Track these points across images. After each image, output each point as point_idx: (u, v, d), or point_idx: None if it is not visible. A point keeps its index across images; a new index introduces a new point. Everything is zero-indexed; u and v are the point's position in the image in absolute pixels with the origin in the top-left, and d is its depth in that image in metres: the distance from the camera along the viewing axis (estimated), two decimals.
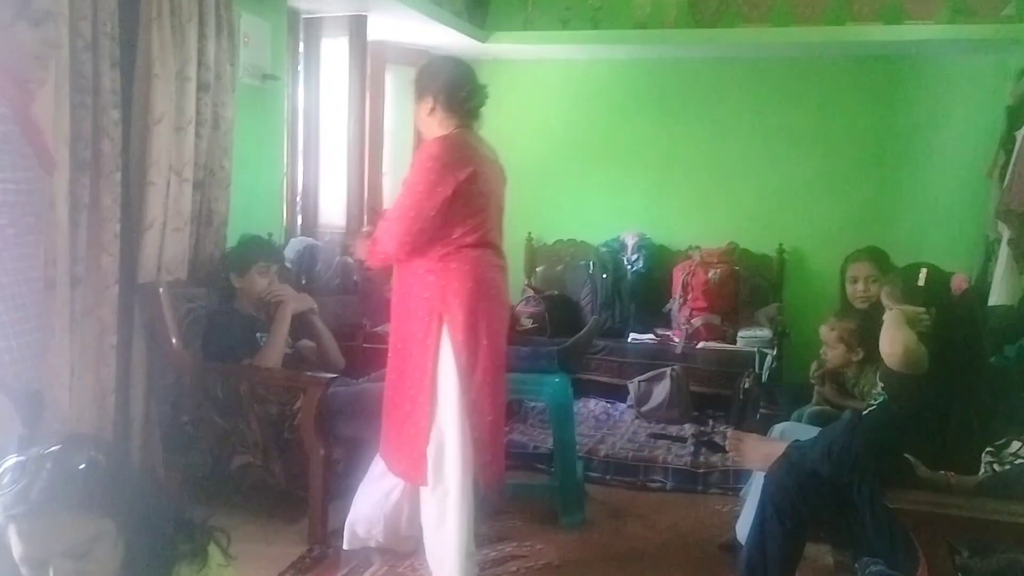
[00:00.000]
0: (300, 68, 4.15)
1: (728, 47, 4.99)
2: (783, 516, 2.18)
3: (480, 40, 4.83)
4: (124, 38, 2.69)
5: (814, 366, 3.26)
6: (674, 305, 4.96)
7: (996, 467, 2.34)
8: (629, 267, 5.11)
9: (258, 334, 3.08)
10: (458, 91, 2.59)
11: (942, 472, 2.24)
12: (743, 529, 2.51)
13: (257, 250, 3.18)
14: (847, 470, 2.04)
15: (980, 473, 2.36)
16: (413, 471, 2.56)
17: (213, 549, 1.41)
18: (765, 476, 2.32)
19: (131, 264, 2.82)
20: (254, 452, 2.93)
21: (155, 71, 2.76)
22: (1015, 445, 2.35)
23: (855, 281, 3.14)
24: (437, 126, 2.60)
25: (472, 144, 2.61)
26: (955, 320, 3.06)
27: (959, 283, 3.09)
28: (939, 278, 2.99)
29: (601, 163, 5.35)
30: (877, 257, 3.18)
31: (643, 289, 5.08)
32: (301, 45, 4.16)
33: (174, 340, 2.89)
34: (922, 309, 2.81)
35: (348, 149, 4.25)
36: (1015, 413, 2.69)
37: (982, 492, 2.14)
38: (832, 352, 3.10)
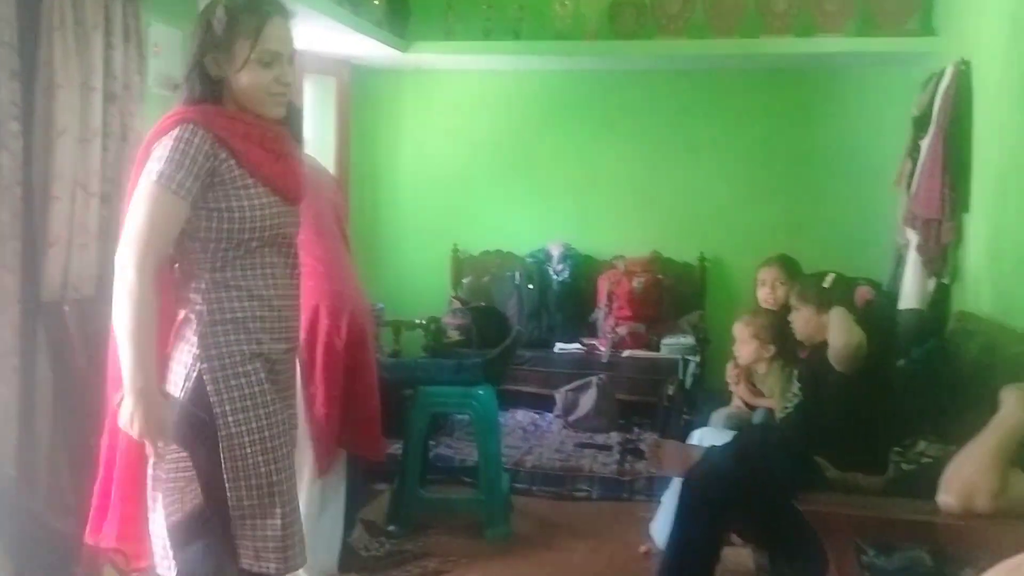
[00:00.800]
0: None
1: (647, 59, 5.07)
2: (700, 519, 2.22)
3: (401, 50, 4.81)
4: (24, 47, 2.59)
5: (730, 366, 3.37)
6: (599, 314, 5.01)
7: (904, 466, 2.42)
8: (555, 277, 5.15)
9: None
10: None
11: (851, 473, 2.30)
12: (657, 532, 2.53)
13: None
14: (760, 473, 2.07)
15: (888, 472, 2.44)
16: None
17: (110, 571, 1.37)
18: (682, 481, 2.35)
19: (34, 282, 2.71)
20: None
21: (58, 81, 2.66)
22: (921, 444, 2.44)
23: (763, 284, 3.27)
24: None
25: None
26: (864, 325, 3.17)
27: (862, 295, 3.20)
28: (844, 285, 3.10)
29: (526, 174, 5.37)
30: (785, 263, 3.31)
31: (569, 299, 5.12)
32: None
33: (80, 360, 2.78)
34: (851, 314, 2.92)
35: None
36: (922, 414, 2.78)
37: (889, 491, 2.21)
38: (744, 348, 3.20)
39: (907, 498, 2.06)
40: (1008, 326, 2.89)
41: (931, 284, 3.69)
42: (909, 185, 3.91)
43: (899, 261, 4.04)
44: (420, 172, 5.41)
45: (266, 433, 1.69)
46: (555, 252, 5.20)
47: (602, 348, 4.84)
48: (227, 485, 1.64)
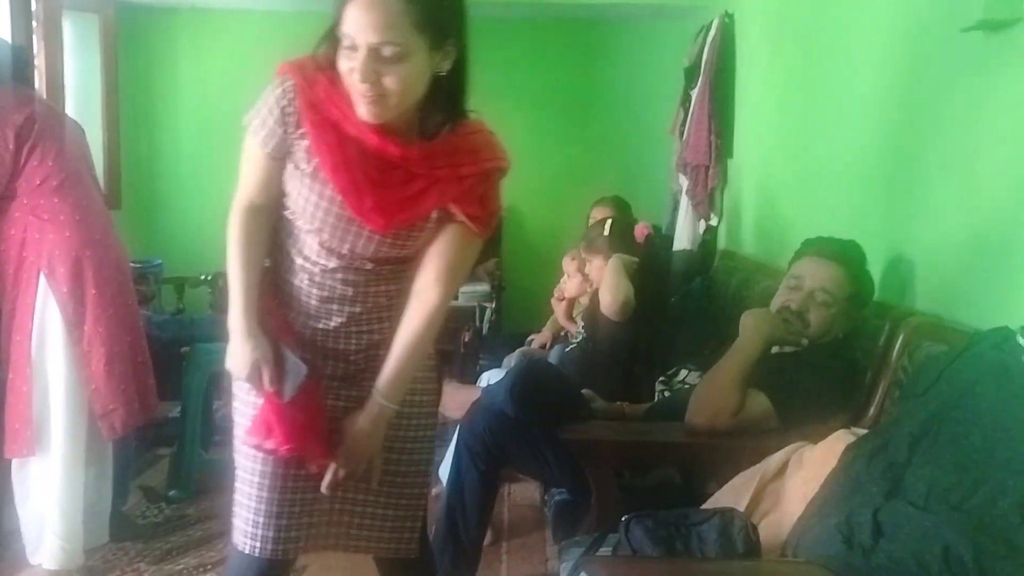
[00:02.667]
0: None
1: None
2: (476, 458, 2.27)
3: None
4: None
5: (555, 296, 3.60)
6: None
7: (667, 394, 2.58)
8: None
9: None
10: None
11: (617, 403, 2.44)
12: (442, 472, 2.58)
13: None
14: (528, 408, 2.15)
15: (654, 400, 2.60)
16: (15, 443, 2.41)
17: None
18: (460, 422, 2.39)
19: None
20: None
21: None
22: (683, 373, 2.60)
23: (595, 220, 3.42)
24: None
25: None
26: (643, 265, 3.36)
27: (641, 231, 3.38)
28: (623, 226, 3.26)
29: None
30: (618, 203, 3.57)
31: None
32: None
33: None
34: (634, 259, 3.08)
35: None
36: (686, 345, 2.98)
37: (650, 417, 2.35)
38: (571, 281, 3.33)
39: (664, 422, 2.21)
40: (764, 263, 3.14)
41: (701, 226, 3.95)
42: (682, 133, 4.14)
43: (675, 206, 4.28)
44: (203, 120, 5.10)
45: None
46: None
47: None
48: None
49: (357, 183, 1.45)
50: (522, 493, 3.08)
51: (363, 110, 1.39)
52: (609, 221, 3.14)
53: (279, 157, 1.50)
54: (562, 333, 3.64)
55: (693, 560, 1.40)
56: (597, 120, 5.22)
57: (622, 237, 3.14)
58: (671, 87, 4.50)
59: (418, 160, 1.47)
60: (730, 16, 3.82)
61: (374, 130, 1.42)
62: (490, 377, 3.05)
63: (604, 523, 1.76)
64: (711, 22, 3.93)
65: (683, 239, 4.01)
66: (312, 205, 1.49)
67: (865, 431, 1.76)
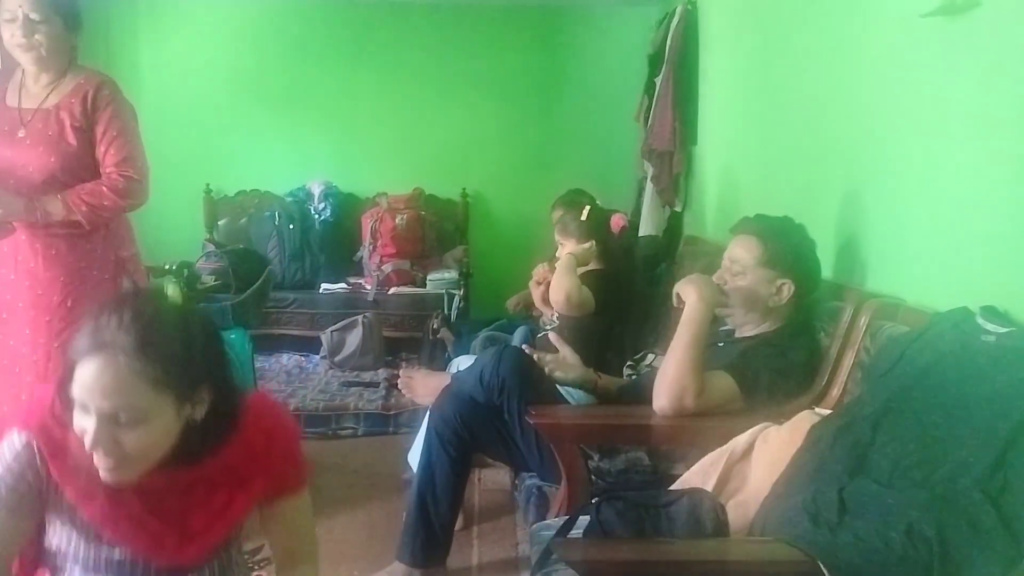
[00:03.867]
0: None
1: None
2: (447, 443, 2.27)
3: None
4: None
5: (536, 274, 3.58)
6: (364, 253, 4.96)
7: (634, 377, 2.60)
8: (317, 216, 5.01)
9: None
10: None
11: (591, 370, 2.45)
12: (414, 460, 2.58)
13: None
14: (496, 393, 2.15)
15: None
16: None
17: None
18: (431, 408, 2.39)
19: None
20: None
21: None
22: (650, 357, 2.63)
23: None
24: None
25: None
26: (615, 253, 3.39)
27: (617, 222, 3.41)
28: (600, 215, 3.28)
29: (281, 110, 5.15)
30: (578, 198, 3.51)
31: (332, 238, 5.02)
32: None
33: None
34: (589, 244, 3.10)
35: None
36: (652, 331, 3.01)
37: (622, 398, 2.37)
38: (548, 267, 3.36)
39: (632, 405, 2.23)
40: (726, 247, 3.17)
41: (666, 212, 3.98)
42: (647, 120, 4.16)
43: (641, 192, 4.31)
44: (164, 107, 4.98)
45: None
46: (316, 191, 5.06)
47: (368, 287, 4.80)
48: None
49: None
50: (493, 478, 3.09)
51: (104, 475, 1.21)
52: (587, 208, 3.17)
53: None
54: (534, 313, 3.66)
55: (663, 540, 1.42)
56: (563, 107, 5.23)
57: (599, 224, 3.18)
58: (636, 74, 4.52)
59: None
60: (693, 4, 3.84)
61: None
62: (459, 363, 3.05)
63: (574, 506, 1.78)
64: (674, 9, 3.95)
65: (648, 225, 4.04)
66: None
67: (829, 411, 1.80)
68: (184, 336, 1.21)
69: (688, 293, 2.05)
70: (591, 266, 3.14)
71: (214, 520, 1.31)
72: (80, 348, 1.17)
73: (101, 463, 1.19)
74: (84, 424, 1.18)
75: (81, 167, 2.34)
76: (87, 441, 1.17)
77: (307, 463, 1.45)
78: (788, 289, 2.05)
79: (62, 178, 2.31)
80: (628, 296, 3.37)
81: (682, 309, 2.04)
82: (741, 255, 2.09)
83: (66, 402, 1.20)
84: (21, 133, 2.32)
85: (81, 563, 1.28)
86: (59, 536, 1.29)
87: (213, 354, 1.27)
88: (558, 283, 2.91)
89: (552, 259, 3.41)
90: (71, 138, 2.32)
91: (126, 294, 2.00)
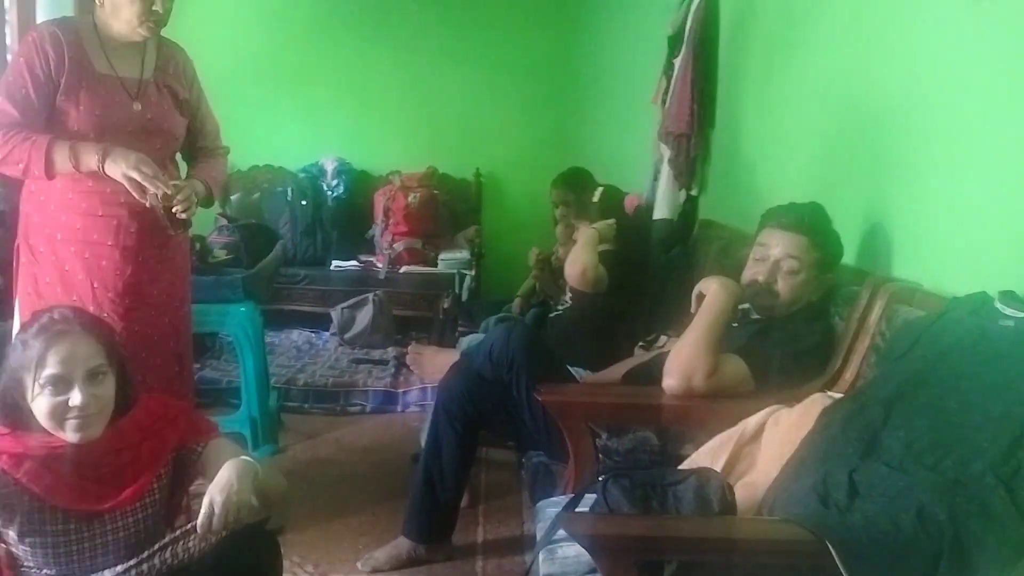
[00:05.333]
0: None
1: None
2: (454, 420, 2.27)
3: None
4: None
5: (534, 253, 3.63)
6: (376, 230, 4.95)
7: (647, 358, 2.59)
8: (329, 193, 5.00)
9: None
10: None
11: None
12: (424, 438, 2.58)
13: None
14: (505, 370, 2.14)
15: None
16: None
17: None
18: (438, 384, 2.39)
19: None
20: None
21: None
22: (662, 339, 2.61)
23: (555, 206, 3.44)
24: None
25: None
26: (628, 234, 3.37)
27: (631, 202, 3.39)
28: (613, 196, 3.26)
29: (296, 86, 5.13)
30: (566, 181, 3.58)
31: (345, 215, 5.01)
32: None
33: None
34: (612, 220, 3.09)
35: None
36: (666, 313, 2.99)
37: (629, 381, 2.35)
38: (563, 249, 3.35)
39: (643, 386, 2.21)
40: (742, 231, 3.14)
41: (681, 196, 3.94)
42: (665, 102, 4.11)
43: (656, 175, 4.26)
44: None
45: None
46: (329, 167, 5.04)
47: (379, 264, 4.79)
48: None
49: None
50: (499, 456, 3.08)
51: (76, 436, 1.48)
52: (601, 189, 3.15)
53: None
54: (540, 299, 3.64)
55: (671, 517, 1.40)
56: (579, 87, 5.19)
57: (612, 205, 3.16)
58: (654, 55, 4.46)
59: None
60: None
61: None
62: (469, 341, 3.05)
63: (581, 484, 1.77)
64: None
65: (663, 208, 3.98)
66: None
67: (841, 395, 1.78)
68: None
69: (710, 284, 2.03)
70: (605, 246, 3.13)
71: (143, 468, 1.58)
72: (47, 340, 1.47)
73: (76, 424, 1.47)
74: (59, 398, 1.46)
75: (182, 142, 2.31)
76: (74, 402, 1.46)
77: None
78: (829, 282, 2.06)
79: (171, 154, 2.26)
80: (641, 277, 3.35)
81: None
82: (795, 252, 2.03)
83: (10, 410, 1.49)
84: (138, 107, 2.19)
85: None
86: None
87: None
88: (576, 257, 2.87)
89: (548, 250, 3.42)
90: (182, 111, 2.27)
91: None
